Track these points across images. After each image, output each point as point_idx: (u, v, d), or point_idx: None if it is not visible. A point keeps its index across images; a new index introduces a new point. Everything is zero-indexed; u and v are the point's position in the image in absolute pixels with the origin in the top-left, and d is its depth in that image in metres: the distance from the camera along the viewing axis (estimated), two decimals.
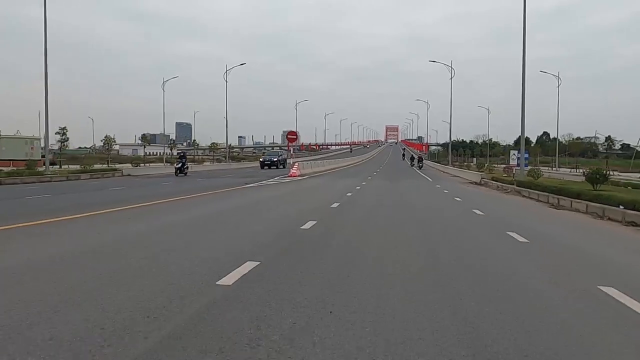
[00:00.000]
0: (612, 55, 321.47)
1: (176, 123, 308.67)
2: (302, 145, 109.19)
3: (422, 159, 66.04)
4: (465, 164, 63.32)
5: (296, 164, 33.89)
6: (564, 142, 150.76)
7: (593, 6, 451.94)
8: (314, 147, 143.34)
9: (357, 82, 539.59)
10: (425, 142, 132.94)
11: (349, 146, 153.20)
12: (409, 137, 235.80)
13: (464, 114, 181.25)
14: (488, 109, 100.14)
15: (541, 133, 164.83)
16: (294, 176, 31.49)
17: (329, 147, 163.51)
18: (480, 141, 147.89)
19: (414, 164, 68.56)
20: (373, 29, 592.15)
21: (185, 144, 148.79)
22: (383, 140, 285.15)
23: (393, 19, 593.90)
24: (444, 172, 49.31)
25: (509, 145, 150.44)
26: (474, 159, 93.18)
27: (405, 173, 45.23)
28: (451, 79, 52.38)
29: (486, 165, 42.32)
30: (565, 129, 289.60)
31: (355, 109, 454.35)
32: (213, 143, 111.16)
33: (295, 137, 34.95)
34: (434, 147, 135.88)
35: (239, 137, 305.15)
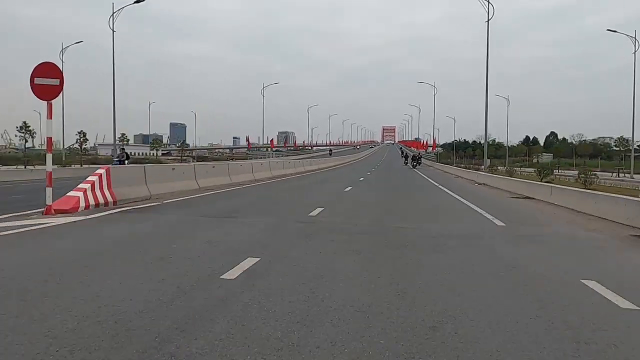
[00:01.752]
0: (614, 54, 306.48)
1: (170, 123, 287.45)
2: (272, 141, 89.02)
3: (417, 157, 56.73)
4: (499, 168, 41.33)
5: (95, 176, 10.89)
6: (574, 142, 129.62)
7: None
8: (309, 147, 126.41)
9: (355, 82, 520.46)
10: (432, 137, 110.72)
11: (336, 146, 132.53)
12: (406, 138, 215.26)
13: (462, 114, 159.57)
14: (507, 98, 77.38)
15: (549, 133, 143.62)
16: (62, 212, 9.42)
17: (324, 146, 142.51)
18: (482, 141, 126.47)
19: (407, 163, 58.96)
20: (374, 29, 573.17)
21: (177, 144, 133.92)
22: (379, 141, 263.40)
23: (394, 19, 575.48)
24: (476, 182, 26.82)
25: (514, 146, 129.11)
26: (489, 161, 72.89)
27: (412, 190, 23.26)
28: (487, 21, 30.48)
29: (548, 172, 19.89)
30: (575, 129, 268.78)
31: (353, 110, 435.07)
32: (181, 142, 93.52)
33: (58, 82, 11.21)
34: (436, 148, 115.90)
35: (234, 137, 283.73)
